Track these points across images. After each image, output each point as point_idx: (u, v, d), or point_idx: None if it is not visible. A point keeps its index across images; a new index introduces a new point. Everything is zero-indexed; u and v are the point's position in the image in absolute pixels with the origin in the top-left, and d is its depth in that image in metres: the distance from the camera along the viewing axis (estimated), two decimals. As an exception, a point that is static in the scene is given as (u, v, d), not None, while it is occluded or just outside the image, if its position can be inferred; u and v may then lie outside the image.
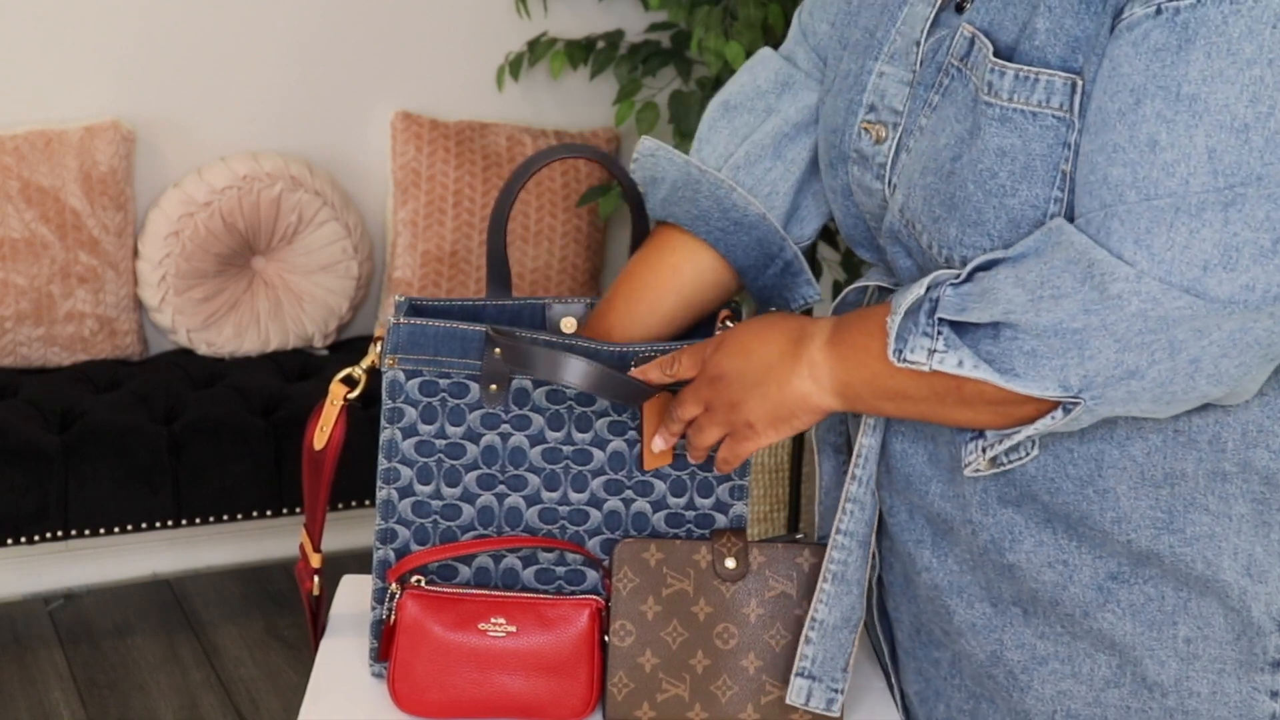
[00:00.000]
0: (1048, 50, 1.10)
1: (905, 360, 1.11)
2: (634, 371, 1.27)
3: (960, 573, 1.25)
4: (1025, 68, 1.11)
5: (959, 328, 1.11)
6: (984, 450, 1.15)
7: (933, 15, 1.21)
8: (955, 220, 1.14)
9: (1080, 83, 1.09)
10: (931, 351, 1.11)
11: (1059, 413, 1.09)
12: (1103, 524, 1.17)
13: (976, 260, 1.11)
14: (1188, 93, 1.01)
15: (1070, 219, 1.09)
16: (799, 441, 3.31)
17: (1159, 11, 1.03)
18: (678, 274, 1.39)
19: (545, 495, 1.31)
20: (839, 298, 1.34)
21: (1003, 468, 1.17)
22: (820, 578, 1.28)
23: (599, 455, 1.31)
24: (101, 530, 3.00)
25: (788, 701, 1.29)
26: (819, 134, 1.34)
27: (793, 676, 1.28)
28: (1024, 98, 1.11)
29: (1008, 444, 1.13)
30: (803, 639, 1.28)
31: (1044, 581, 1.20)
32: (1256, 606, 1.17)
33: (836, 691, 1.28)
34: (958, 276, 1.11)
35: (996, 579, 1.23)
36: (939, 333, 1.11)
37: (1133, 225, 1.03)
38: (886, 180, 1.23)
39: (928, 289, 1.12)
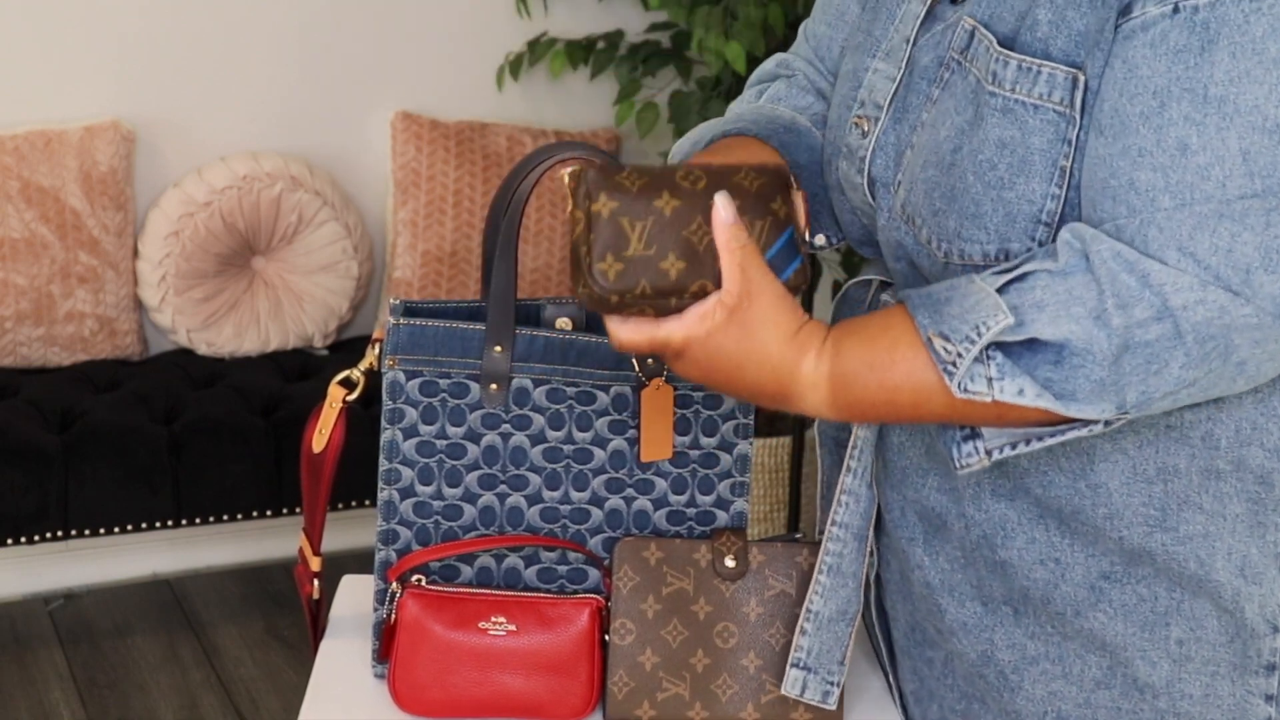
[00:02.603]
0: (1050, 43, 1.09)
1: (967, 391, 1.05)
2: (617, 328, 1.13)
3: (952, 571, 1.24)
4: (1028, 59, 1.09)
5: (1008, 349, 1.05)
6: (989, 453, 1.10)
7: (924, 12, 1.20)
8: (954, 212, 1.12)
9: (1082, 78, 1.07)
10: (990, 380, 1.04)
11: (1098, 426, 1.06)
12: (1095, 519, 1.16)
13: (1004, 278, 1.06)
14: (1215, 94, 1.00)
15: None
16: (799, 441, 3.31)
17: (1176, 10, 1.02)
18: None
19: (546, 494, 1.31)
20: (839, 293, 1.34)
21: (998, 457, 1.12)
22: (816, 570, 1.27)
23: (600, 454, 1.31)
24: (101, 530, 3.00)
25: (783, 692, 1.28)
26: (825, 133, 1.35)
27: (788, 667, 1.27)
28: (1026, 90, 1.09)
29: (1021, 451, 1.09)
30: (798, 630, 1.27)
31: (1035, 579, 1.19)
32: (1250, 608, 1.15)
33: (832, 684, 1.28)
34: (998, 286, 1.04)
35: (988, 577, 1.22)
36: (989, 357, 1.05)
37: (1174, 232, 1.01)
38: (864, 173, 1.23)
39: (975, 325, 1.04)
